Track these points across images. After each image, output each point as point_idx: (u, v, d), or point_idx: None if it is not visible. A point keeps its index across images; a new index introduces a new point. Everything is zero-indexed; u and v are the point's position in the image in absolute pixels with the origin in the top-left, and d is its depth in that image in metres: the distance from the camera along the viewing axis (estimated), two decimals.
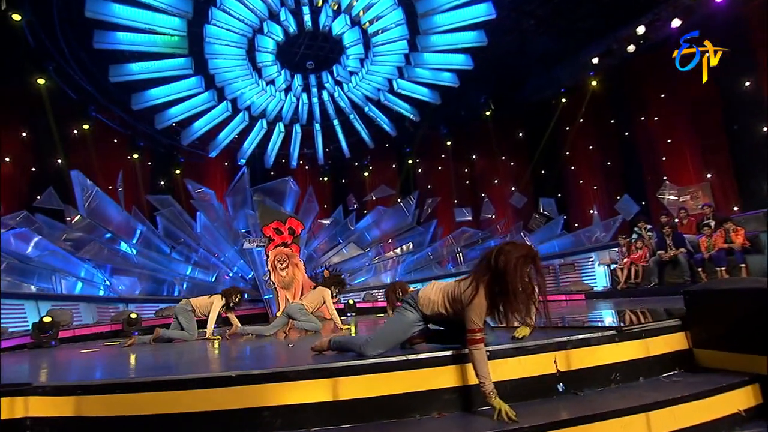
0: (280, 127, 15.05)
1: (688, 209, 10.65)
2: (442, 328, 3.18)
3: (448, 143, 17.96)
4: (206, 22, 10.79)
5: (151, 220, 14.30)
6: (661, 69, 13.23)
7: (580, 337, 2.93)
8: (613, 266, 11.10)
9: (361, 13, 11.62)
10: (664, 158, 14.08)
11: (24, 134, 13.68)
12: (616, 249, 11.31)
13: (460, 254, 17.49)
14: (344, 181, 19.81)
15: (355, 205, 18.55)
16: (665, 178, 13.26)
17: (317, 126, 15.52)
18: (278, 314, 10.93)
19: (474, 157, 19.78)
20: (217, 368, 3.47)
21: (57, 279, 11.65)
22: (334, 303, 6.82)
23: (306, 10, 10.94)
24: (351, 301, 13.89)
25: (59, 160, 13.54)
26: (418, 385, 2.63)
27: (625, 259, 10.52)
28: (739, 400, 2.73)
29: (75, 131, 13.68)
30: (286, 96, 13.86)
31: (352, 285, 16.86)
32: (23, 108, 12.99)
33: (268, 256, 13.23)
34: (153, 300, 12.86)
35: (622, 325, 3.16)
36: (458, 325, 2.83)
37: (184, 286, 14.35)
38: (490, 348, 2.76)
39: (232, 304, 6.94)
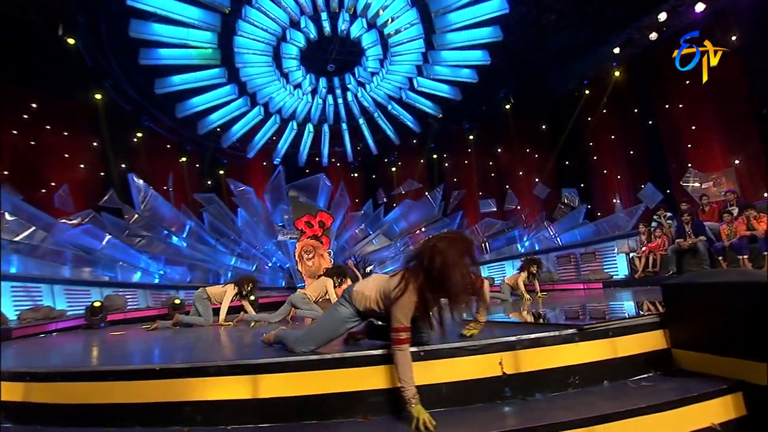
0: (309, 127, 14.93)
1: (710, 196, 9.45)
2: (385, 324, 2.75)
3: (470, 137, 17.13)
4: (234, 34, 10.72)
5: (198, 216, 14.60)
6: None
7: (532, 336, 2.42)
8: (631, 255, 10.09)
9: (381, 11, 11.08)
10: (689, 145, 12.68)
11: (94, 143, 14.37)
12: (636, 237, 10.29)
13: (485, 244, 16.77)
14: (374, 177, 19.47)
15: (384, 199, 18.22)
16: (689, 165, 11.90)
17: (344, 125, 15.24)
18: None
19: (498, 150, 18.82)
20: (188, 357, 3.21)
21: (118, 268, 12.14)
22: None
23: (324, 16, 10.63)
24: None
25: (123, 165, 14.13)
26: (343, 385, 2.25)
27: (644, 248, 9.52)
28: (715, 411, 2.15)
29: (134, 139, 14.19)
30: (312, 98, 13.69)
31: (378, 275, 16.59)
32: (94, 120, 13.62)
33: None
34: (199, 287, 13.13)
35: (584, 323, 2.59)
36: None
37: (229, 275, 14.59)
38: (426, 347, 2.33)
39: (244, 292, 6.80)
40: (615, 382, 2.45)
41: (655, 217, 9.89)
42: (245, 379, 2.26)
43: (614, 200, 14.77)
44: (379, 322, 2.68)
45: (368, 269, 16.01)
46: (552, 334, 2.45)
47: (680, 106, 12.97)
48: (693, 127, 12.44)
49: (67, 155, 13.86)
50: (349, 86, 13.35)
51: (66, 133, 13.81)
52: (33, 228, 10.52)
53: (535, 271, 8.11)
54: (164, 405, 2.29)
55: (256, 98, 13.18)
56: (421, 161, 19.00)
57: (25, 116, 12.79)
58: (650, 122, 14.29)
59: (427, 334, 2.43)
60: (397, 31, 11.28)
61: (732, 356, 2.28)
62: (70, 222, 11.36)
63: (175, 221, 13.91)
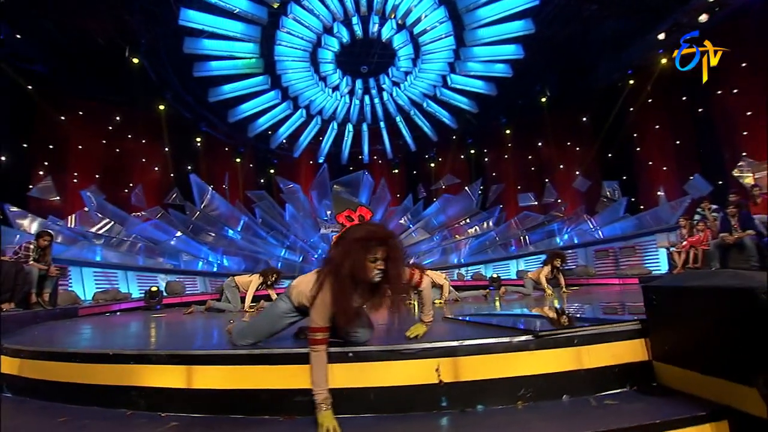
0: (349, 127, 14.87)
1: (762, 186, 8.06)
2: None
3: (507, 132, 16.17)
4: (274, 44, 10.87)
5: (251, 211, 15.14)
6: (741, 36, 10.25)
7: (477, 342, 2.04)
8: (671, 249, 8.92)
9: (412, 8, 10.66)
10: (744, 133, 10.97)
11: (166, 149, 15.41)
12: (677, 231, 9.08)
13: (524, 237, 15.81)
14: (415, 173, 19.10)
15: (423, 194, 17.82)
16: (744, 154, 10.29)
17: (382, 124, 15.01)
18: None
19: (539, 144, 17.62)
20: (173, 343, 3.19)
21: (181, 258, 12.91)
22: None
23: (356, 20, 10.43)
24: None
25: (189, 167, 15.01)
26: (270, 382, 2.04)
27: (684, 242, 8.35)
28: None
29: (197, 143, 15.02)
30: (350, 99, 13.59)
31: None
32: (168, 128, 14.58)
33: None
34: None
35: (538, 329, 2.15)
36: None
37: (279, 265, 15.02)
38: (355, 348, 2.05)
39: (269, 282, 6.84)
40: (577, 397, 2.01)
41: (698, 209, 8.64)
42: (181, 369, 2.15)
43: (659, 192, 13.20)
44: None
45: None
46: (502, 340, 2.05)
47: (735, 91, 11.26)
48: (749, 113, 10.74)
49: (144, 160, 14.99)
50: (384, 86, 13.08)
51: (144, 141, 14.93)
52: (112, 222, 11.46)
53: (558, 265, 7.40)
54: (116, 388, 2.26)
55: (298, 101, 13.35)
56: (461, 156, 18.33)
57: (110, 128, 13.98)
58: (700, 110, 12.58)
59: (361, 333, 2.14)
60: (426, 30, 10.80)
61: (718, 376, 1.76)
62: (142, 217, 12.26)
63: (231, 216, 14.55)
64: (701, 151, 12.50)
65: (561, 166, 16.83)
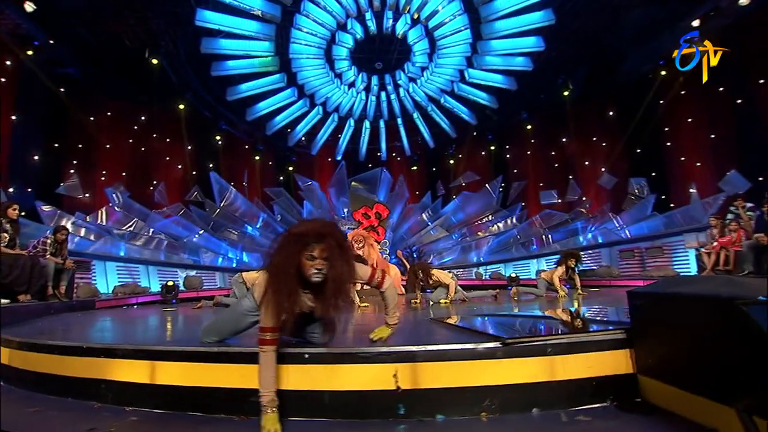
0: (366, 124, 14.80)
1: None
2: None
3: (529, 127, 15.65)
4: (289, 42, 10.92)
5: (270, 208, 15.36)
6: None
7: (438, 347, 1.92)
8: (700, 250, 8.36)
9: (425, 2, 10.45)
10: None
11: (189, 147, 15.86)
12: (707, 231, 8.50)
13: (546, 236, 15.30)
14: (434, 169, 18.83)
15: (442, 191, 17.56)
16: None
17: (399, 121, 14.86)
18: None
19: (563, 139, 16.97)
20: (154, 337, 3.22)
21: (201, 253, 13.27)
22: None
23: (369, 15, 10.32)
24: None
25: (210, 165, 15.40)
26: (226, 380, 2.00)
27: (714, 243, 7.81)
28: None
29: (219, 141, 15.37)
30: (366, 96, 13.51)
31: (433, 265, 16.02)
32: (187, 126, 15.01)
33: None
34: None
35: (506, 336, 2.00)
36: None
37: None
38: (311, 350, 1.97)
39: None
40: (548, 411, 1.85)
41: (731, 208, 8.06)
42: (145, 364, 2.15)
43: (690, 190, 12.43)
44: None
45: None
46: (466, 346, 1.92)
47: None
48: None
49: (167, 158, 15.47)
50: (400, 82, 12.92)
51: (168, 140, 15.41)
52: (135, 219, 11.91)
53: (573, 266, 7.06)
54: (88, 380, 2.28)
55: (314, 99, 13.39)
56: (481, 153, 17.93)
57: (135, 127, 14.50)
58: (739, 100, 11.73)
59: (319, 334, 2.07)
60: (442, 24, 10.56)
61: (703, 395, 1.57)
62: (163, 213, 12.67)
63: (250, 213, 14.83)
64: (739, 145, 11.68)
65: (586, 163, 16.17)
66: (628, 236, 12.16)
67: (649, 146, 14.35)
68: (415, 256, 15.65)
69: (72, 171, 12.82)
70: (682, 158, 13.66)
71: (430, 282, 6.27)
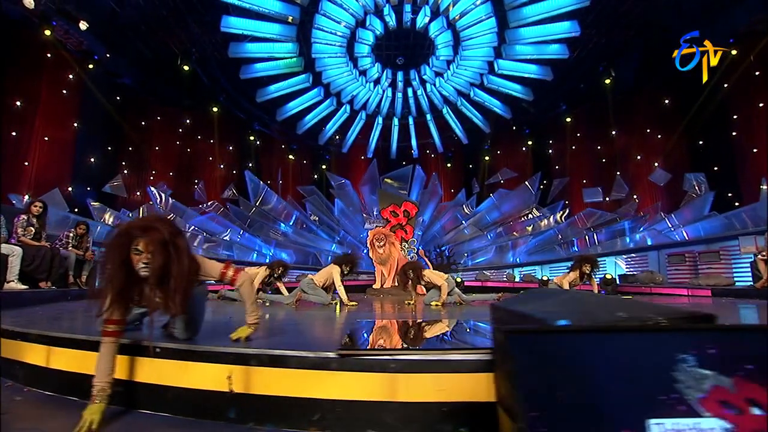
0: (395, 121, 14.64)
1: None
2: None
3: (568, 120, 14.52)
4: (311, 42, 11.12)
5: (303, 206, 15.80)
6: None
7: (271, 352, 1.82)
8: (758, 256, 7.21)
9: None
10: None
11: (230, 147, 16.84)
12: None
13: (592, 235, 14.16)
14: (471, 166, 18.18)
15: (477, 189, 16.93)
16: None
17: (428, 116, 14.51)
18: (374, 286, 10.82)
19: (613, 132, 15.53)
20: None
21: (235, 248, 14.00)
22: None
23: (387, 10, 10.18)
24: (459, 279, 12.71)
25: (249, 164, 16.22)
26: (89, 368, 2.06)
27: None
28: None
29: (256, 142, 16.13)
30: (393, 92, 13.35)
31: (466, 265, 15.51)
32: (228, 128, 15.95)
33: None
34: (299, 267, 14.28)
35: (342, 347, 1.83)
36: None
37: (329, 258, 15.48)
38: (161, 344, 1.97)
39: (276, 274, 7.03)
40: None
41: None
42: (43, 348, 2.27)
43: (762, 186, 10.72)
44: None
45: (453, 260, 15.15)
46: (299, 353, 1.79)
47: None
48: None
49: (210, 158, 16.53)
50: (425, 77, 12.61)
51: (211, 141, 16.47)
52: (173, 215, 12.86)
53: (588, 271, 6.45)
54: (10, 361, 2.46)
55: (341, 98, 13.52)
56: (521, 149, 16.99)
57: (181, 130, 15.67)
58: None
59: (179, 329, 2.06)
60: (464, 13, 10.12)
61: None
62: (200, 210, 13.55)
63: (284, 211, 15.38)
64: None
65: (638, 157, 14.65)
66: (678, 239, 10.84)
67: (714, 137, 12.68)
68: (446, 254, 15.27)
69: (126, 172, 14.19)
70: (754, 150, 11.87)
71: (422, 283, 6.06)
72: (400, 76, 12.67)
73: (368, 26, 10.60)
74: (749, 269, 8.79)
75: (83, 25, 10.99)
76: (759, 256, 7.00)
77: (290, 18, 10.13)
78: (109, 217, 11.20)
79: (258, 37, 10.75)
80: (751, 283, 7.38)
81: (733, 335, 0.95)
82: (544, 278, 11.32)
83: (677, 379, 0.87)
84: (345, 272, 6.29)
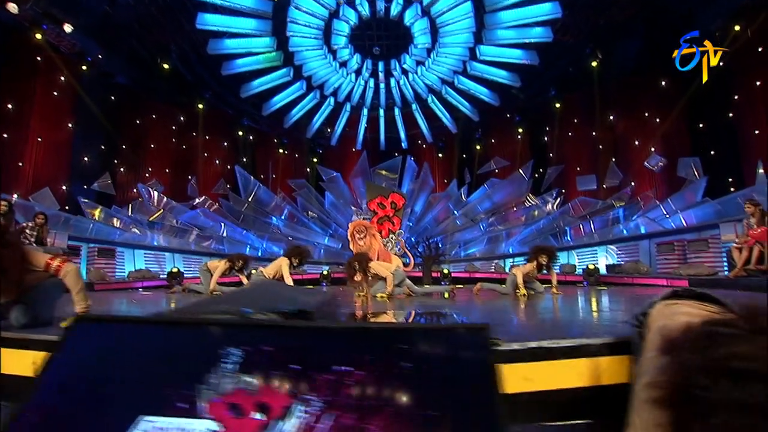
0: (380, 112, 14.49)
1: None
2: None
3: (557, 105, 14.01)
4: (288, 37, 11.07)
5: (293, 200, 15.89)
6: None
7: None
8: (732, 245, 6.84)
9: None
10: None
11: (225, 143, 17.07)
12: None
13: (585, 224, 13.74)
14: (465, 156, 17.82)
15: (468, 179, 16.62)
16: None
17: (414, 106, 14.29)
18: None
19: (611, 117, 14.90)
20: None
21: (225, 242, 14.22)
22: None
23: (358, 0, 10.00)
24: (446, 271, 12.60)
25: (243, 159, 16.41)
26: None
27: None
28: None
29: (249, 137, 16.28)
30: (376, 83, 13.19)
31: (458, 256, 15.29)
32: (221, 124, 16.13)
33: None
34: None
35: None
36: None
37: (322, 252, 15.57)
38: None
39: (236, 267, 7.12)
40: None
41: None
42: None
43: (759, 170, 10.09)
44: None
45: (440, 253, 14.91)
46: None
47: None
48: None
49: (205, 154, 16.76)
50: (405, 66, 12.39)
51: (207, 137, 16.70)
52: (164, 211, 13.18)
53: (545, 262, 6.26)
54: None
55: (324, 90, 13.45)
56: (513, 136, 16.54)
57: (174, 127, 15.93)
58: None
59: (14, 317, 2.13)
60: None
61: None
62: (189, 205, 13.82)
63: (274, 205, 15.52)
64: None
65: (636, 142, 14.03)
66: (666, 228, 10.40)
67: (714, 120, 12.03)
68: (434, 247, 15.09)
69: (122, 170, 14.58)
70: (756, 131, 11.20)
71: (368, 274, 6.01)
72: (380, 66, 12.49)
73: (342, 17, 10.46)
74: (725, 258, 8.39)
75: (68, 28, 11.27)
76: (734, 245, 6.63)
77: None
78: (99, 214, 11.55)
79: (235, 33, 10.78)
80: (726, 272, 7.02)
81: (291, 334, 0.88)
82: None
83: (203, 379, 0.82)
84: (294, 265, 6.31)
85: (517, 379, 1.71)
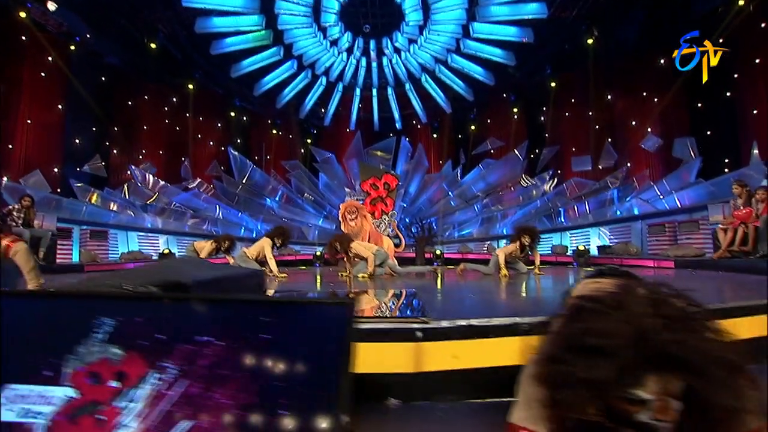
0: (373, 92, 14.28)
1: None
2: None
3: (552, 84, 13.76)
4: (276, 15, 10.80)
5: (288, 181, 15.87)
6: None
7: None
8: (717, 226, 6.83)
9: None
10: None
11: (219, 124, 16.92)
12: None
13: (579, 205, 13.69)
14: (460, 136, 17.63)
15: (463, 159, 16.51)
16: None
17: (408, 86, 14.07)
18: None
19: (609, 97, 14.63)
20: None
21: (220, 224, 14.28)
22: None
23: None
24: (439, 252, 12.67)
25: (236, 140, 16.29)
26: None
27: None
28: None
29: (244, 118, 16.11)
30: (368, 62, 12.95)
31: (452, 237, 15.33)
32: (216, 105, 15.95)
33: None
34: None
35: None
36: None
37: (317, 233, 15.63)
38: None
39: (222, 248, 7.20)
40: None
41: None
42: None
43: (754, 151, 9.97)
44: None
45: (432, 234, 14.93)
46: None
47: None
48: None
49: (199, 135, 16.64)
50: (397, 45, 12.12)
51: (200, 118, 16.54)
52: (157, 193, 13.19)
53: (528, 243, 6.29)
54: None
55: (315, 69, 13.22)
56: (509, 116, 16.32)
57: (166, 108, 15.77)
58: None
59: None
60: None
61: None
62: (182, 186, 13.82)
63: (268, 186, 15.51)
64: None
65: (633, 122, 13.82)
66: (658, 209, 10.37)
67: (713, 99, 11.80)
68: (427, 228, 15.13)
69: (114, 151, 14.53)
70: (754, 111, 11.00)
71: (350, 255, 6.06)
72: (372, 44, 12.23)
73: None
74: (711, 239, 8.37)
75: (52, 6, 11.03)
76: (719, 226, 6.62)
77: None
78: (93, 197, 11.59)
79: (223, 10, 10.55)
80: (711, 253, 7.02)
81: (161, 307, 0.90)
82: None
83: (72, 349, 0.83)
84: (277, 245, 6.37)
85: (445, 356, 1.74)
